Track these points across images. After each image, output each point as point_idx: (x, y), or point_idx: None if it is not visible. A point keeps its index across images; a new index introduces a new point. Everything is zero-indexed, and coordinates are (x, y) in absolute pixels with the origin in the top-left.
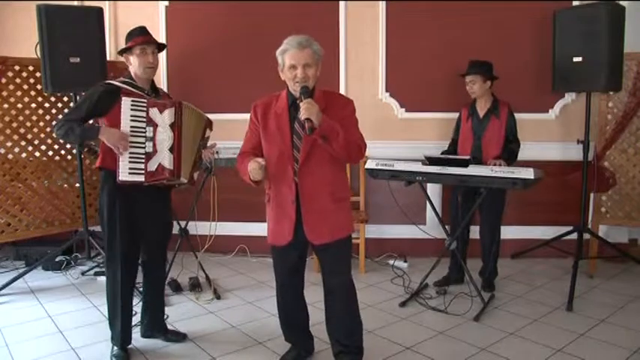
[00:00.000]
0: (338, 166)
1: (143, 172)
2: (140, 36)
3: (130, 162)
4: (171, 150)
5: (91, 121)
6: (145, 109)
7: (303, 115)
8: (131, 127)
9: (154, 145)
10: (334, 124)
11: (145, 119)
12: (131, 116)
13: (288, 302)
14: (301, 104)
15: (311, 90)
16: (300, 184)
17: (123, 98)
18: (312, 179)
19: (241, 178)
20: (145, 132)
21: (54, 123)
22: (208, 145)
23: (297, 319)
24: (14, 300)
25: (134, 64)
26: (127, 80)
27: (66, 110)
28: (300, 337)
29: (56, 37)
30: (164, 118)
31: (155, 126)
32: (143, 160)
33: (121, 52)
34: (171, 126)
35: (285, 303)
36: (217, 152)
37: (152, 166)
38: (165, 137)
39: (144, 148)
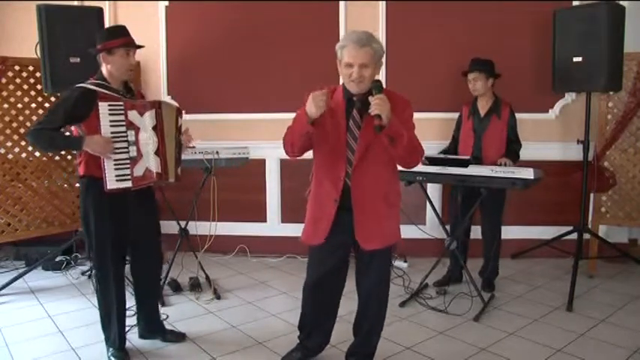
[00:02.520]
0: (392, 169)
1: (130, 177)
2: (124, 37)
3: (116, 169)
4: (157, 153)
5: (72, 127)
6: (123, 112)
7: (374, 110)
8: (112, 132)
9: (138, 150)
10: (400, 125)
11: (124, 123)
12: (110, 121)
13: (315, 304)
14: (373, 99)
15: (367, 90)
16: (352, 185)
17: (100, 103)
18: (365, 181)
19: (290, 139)
20: (126, 136)
21: (26, 132)
22: (182, 131)
23: (320, 323)
24: (14, 300)
25: (115, 65)
26: (100, 82)
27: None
28: (314, 342)
29: (56, 37)
30: (145, 122)
31: (137, 130)
32: (129, 166)
33: (98, 52)
34: (154, 129)
35: (310, 304)
36: (217, 152)
37: (139, 171)
38: (149, 141)
39: (127, 153)
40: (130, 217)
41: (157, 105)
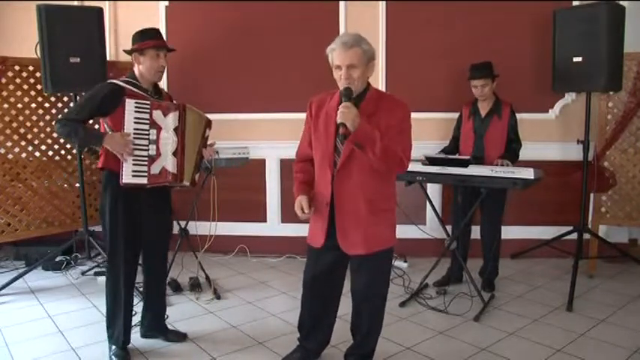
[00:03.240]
0: (380, 175)
1: (146, 174)
2: (155, 38)
3: (134, 164)
4: (174, 154)
5: (91, 121)
6: (148, 111)
7: (337, 119)
8: (134, 129)
9: (158, 148)
10: (372, 133)
11: (148, 121)
12: (135, 118)
13: (312, 305)
14: (340, 107)
15: (361, 91)
16: (335, 189)
17: (127, 100)
18: (348, 185)
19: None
20: (148, 134)
21: (56, 120)
22: (208, 144)
23: (316, 325)
24: (14, 300)
25: (145, 65)
26: (130, 80)
27: (69, 107)
28: (312, 344)
29: (56, 37)
30: (168, 122)
31: (159, 129)
32: (146, 163)
33: (131, 52)
34: (175, 130)
35: (308, 305)
36: (217, 152)
37: (155, 169)
38: (169, 141)
39: (147, 150)
40: (144, 215)
41: (182, 107)
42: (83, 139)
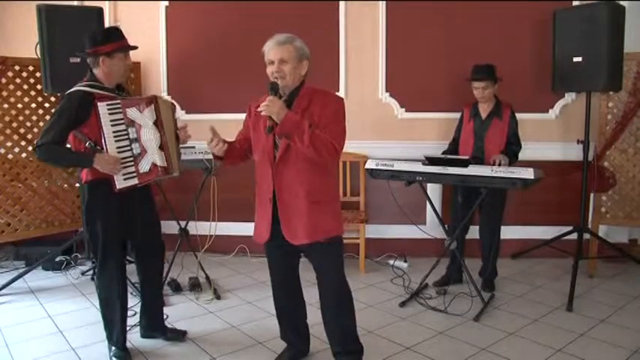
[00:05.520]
0: (319, 167)
1: (135, 174)
2: (121, 39)
3: (122, 167)
4: (161, 147)
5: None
6: (121, 110)
7: (263, 112)
8: (114, 131)
9: (141, 146)
10: (298, 122)
11: (124, 121)
12: (111, 121)
13: (280, 299)
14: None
15: (296, 87)
16: (275, 182)
17: (98, 104)
18: (287, 178)
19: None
20: (127, 134)
21: (35, 146)
22: (179, 126)
23: (289, 318)
24: (14, 300)
25: (114, 67)
26: (93, 84)
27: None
28: (294, 338)
29: (56, 37)
30: (146, 117)
31: (138, 126)
32: (132, 163)
33: (96, 55)
34: (155, 123)
35: (277, 300)
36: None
37: (144, 166)
38: (151, 137)
39: (131, 150)
40: (136, 216)
41: (154, 100)
42: (72, 162)
